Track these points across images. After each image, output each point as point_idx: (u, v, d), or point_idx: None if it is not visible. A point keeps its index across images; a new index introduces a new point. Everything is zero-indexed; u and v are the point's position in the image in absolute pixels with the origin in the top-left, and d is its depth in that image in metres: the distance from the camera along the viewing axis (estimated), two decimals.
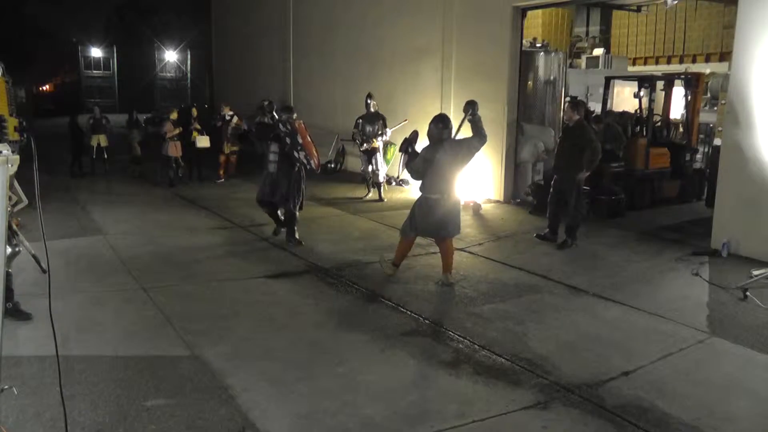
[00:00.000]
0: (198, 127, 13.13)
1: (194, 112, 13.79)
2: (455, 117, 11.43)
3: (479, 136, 6.16)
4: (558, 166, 7.80)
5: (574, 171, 7.53)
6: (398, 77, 12.78)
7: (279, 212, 8.04)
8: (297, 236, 7.87)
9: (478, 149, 6.17)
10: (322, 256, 7.34)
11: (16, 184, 5.34)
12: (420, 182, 6.25)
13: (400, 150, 6.89)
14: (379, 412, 3.78)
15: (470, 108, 6.24)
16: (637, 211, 9.70)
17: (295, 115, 7.98)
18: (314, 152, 7.93)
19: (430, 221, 6.18)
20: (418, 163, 6.18)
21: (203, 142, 12.99)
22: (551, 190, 7.91)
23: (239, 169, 13.45)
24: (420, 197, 6.30)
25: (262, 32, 18.17)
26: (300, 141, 7.71)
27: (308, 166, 7.88)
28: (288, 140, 7.68)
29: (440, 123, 6.10)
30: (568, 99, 12.25)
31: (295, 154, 7.72)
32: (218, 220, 9.36)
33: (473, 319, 5.36)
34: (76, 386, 3.96)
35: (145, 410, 3.75)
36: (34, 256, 4.73)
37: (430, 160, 6.03)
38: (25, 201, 5.67)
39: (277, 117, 8.05)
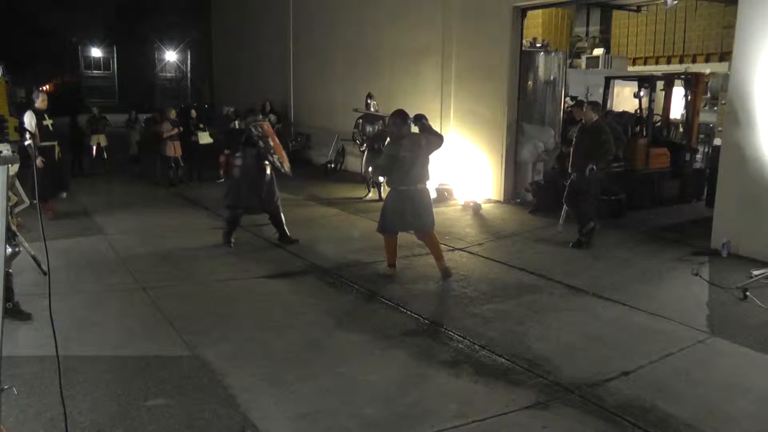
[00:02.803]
0: (201, 126, 13.20)
1: (193, 113, 13.80)
2: (456, 116, 11.48)
3: (436, 136, 6.50)
4: (576, 163, 7.75)
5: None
6: (398, 77, 12.79)
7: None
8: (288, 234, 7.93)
9: (438, 146, 6.47)
10: (322, 256, 7.34)
11: (17, 183, 5.35)
12: (388, 178, 6.54)
13: (363, 149, 7.10)
14: (379, 412, 3.78)
15: (418, 121, 6.58)
16: (637, 211, 9.70)
17: (260, 117, 7.91)
18: (284, 154, 7.86)
19: (405, 214, 6.36)
20: (383, 160, 6.46)
21: (204, 138, 13.01)
22: (567, 190, 7.85)
23: None
24: (390, 192, 6.53)
25: (262, 32, 18.18)
26: (271, 144, 7.63)
27: (282, 170, 7.78)
28: (262, 144, 7.56)
29: (398, 119, 6.37)
30: (567, 99, 12.27)
31: (269, 157, 7.62)
32: (218, 220, 9.34)
33: (473, 319, 5.36)
34: (76, 386, 3.96)
35: (145, 410, 3.75)
36: (33, 257, 4.73)
37: (395, 155, 6.25)
38: (27, 202, 5.68)
39: (245, 122, 7.89)
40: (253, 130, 7.57)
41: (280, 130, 16.08)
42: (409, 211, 6.34)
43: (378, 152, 6.62)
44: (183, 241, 8.06)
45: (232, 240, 7.83)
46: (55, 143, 9.16)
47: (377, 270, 6.75)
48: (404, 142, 6.27)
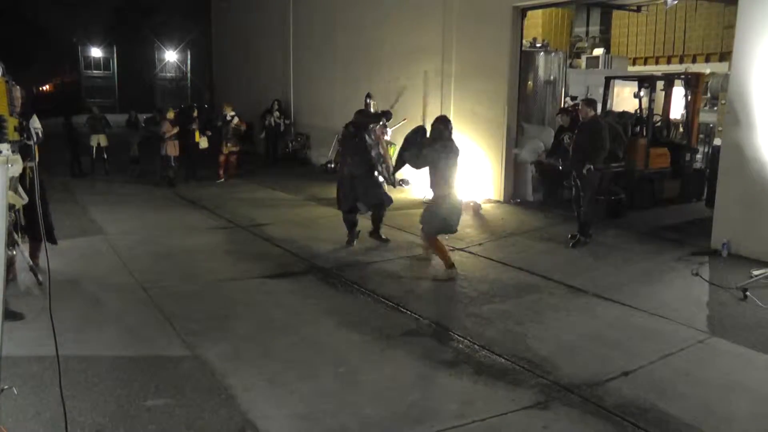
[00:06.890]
0: (207, 131, 13.26)
1: (195, 112, 13.80)
2: (456, 116, 11.46)
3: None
4: (576, 160, 7.74)
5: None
6: (398, 77, 12.77)
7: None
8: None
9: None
10: (322, 256, 7.34)
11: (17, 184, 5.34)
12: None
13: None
14: (379, 412, 3.78)
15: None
16: (637, 211, 9.69)
17: (383, 122, 7.87)
18: (390, 162, 7.84)
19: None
20: (422, 156, 6.60)
21: (203, 143, 13.05)
22: (574, 192, 7.85)
23: (239, 169, 13.50)
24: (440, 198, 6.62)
25: (262, 32, 18.17)
26: (382, 152, 7.68)
27: (387, 181, 7.88)
28: (373, 152, 7.59)
29: (441, 124, 6.57)
30: (568, 99, 12.27)
31: (378, 167, 7.65)
32: (218, 220, 9.35)
33: (473, 319, 5.37)
34: (76, 386, 3.96)
35: (145, 410, 3.75)
36: (31, 267, 4.71)
37: (431, 157, 6.43)
38: (26, 199, 5.67)
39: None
40: (367, 138, 7.58)
41: (287, 129, 16.17)
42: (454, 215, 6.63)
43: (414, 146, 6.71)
44: (183, 241, 8.06)
45: (354, 240, 7.81)
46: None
47: (377, 270, 6.75)
48: (439, 146, 6.45)
